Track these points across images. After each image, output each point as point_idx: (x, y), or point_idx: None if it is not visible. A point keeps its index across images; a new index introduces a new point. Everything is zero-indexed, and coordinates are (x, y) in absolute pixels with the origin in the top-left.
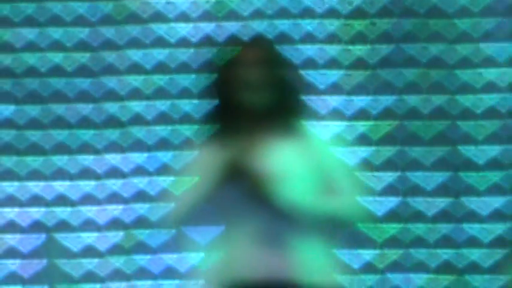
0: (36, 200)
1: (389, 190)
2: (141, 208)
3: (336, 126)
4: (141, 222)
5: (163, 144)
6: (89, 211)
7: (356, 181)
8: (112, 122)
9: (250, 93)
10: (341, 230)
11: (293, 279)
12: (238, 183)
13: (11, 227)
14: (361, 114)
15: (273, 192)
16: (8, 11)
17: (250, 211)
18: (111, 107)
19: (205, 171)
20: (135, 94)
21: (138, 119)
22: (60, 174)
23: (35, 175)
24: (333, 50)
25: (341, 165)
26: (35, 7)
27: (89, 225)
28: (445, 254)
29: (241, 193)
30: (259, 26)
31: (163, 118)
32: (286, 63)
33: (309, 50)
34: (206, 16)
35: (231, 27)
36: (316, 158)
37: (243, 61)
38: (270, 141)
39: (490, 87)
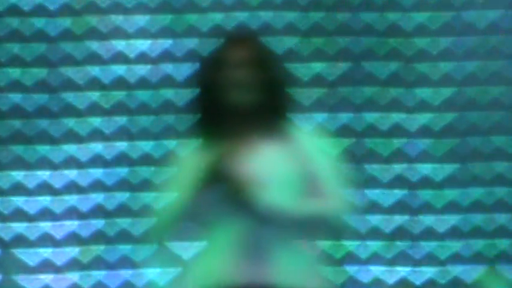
0: None
1: None
2: (98, 223)
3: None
4: (97, 236)
5: (122, 158)
6: (46, 226)
7: (342, 177)
8: (70, 136)
9: (238, 94)
10: (325, 231)
11: (275, 286)
12: (220, 188)
13: None
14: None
15: (255, 197)
16: None
17: (231, 217)
18: (70, 122)
19: (186, 180)
20: (95, 108)
21: (96, 134)
22: (17, 189)
23: None
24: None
25: (327, 162)
26: None
27: (45, 240)
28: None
29: (222, 198)
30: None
31: (122, 132)
32: (273, 60)
33: None
34: (165, 31)
35: (190, 42)
36: (301, 159)
37: (230, 60)
38: (255, 143)
39: (448, 104)
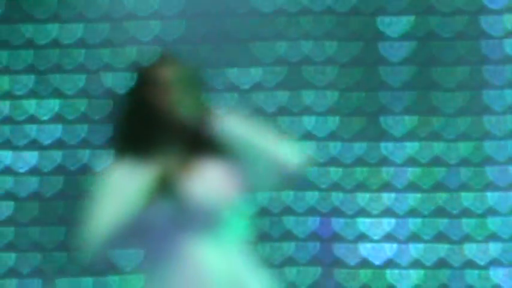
0: None
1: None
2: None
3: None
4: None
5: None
6: None
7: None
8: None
9: (168, 111)
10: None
11: None
12: (167, 204)
13: None
14: None
15: (204, 213)
16: None
17: (178, 233)
18: None
19: (126, 193)
20: None
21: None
22: None
23: None
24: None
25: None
26: None
27: None
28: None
29: (169, 214)
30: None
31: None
32: (197, 78)
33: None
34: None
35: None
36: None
37: (158, 82)
38: (192, 159)
39: (411, 136)
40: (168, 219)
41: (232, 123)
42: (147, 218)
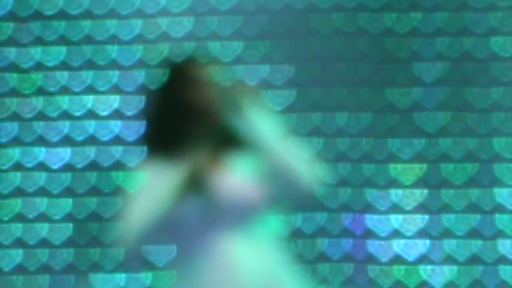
0: None
1: None
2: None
3: None
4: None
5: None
6: None
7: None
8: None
9: (203, 114)
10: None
11: None
12: (198, 200)
13: None
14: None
15: (235, 210)
16: None
17: (210, 230)
18: None
19: (159, 189)
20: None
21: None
22: None
23: None
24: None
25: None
26: None
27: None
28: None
29: (201, 211)
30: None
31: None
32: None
33: None
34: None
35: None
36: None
37: (192, 78)
38: (225, 156)
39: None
40: (199, 216)
41: (258, 121)
42: (179, 214)
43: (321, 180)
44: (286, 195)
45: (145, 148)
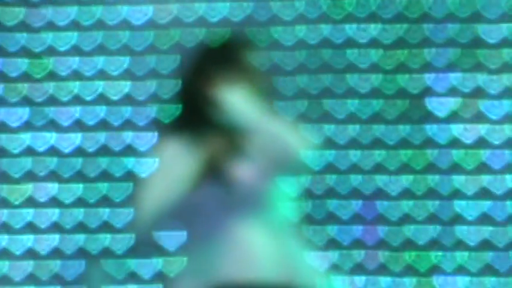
0: None
1: None
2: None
3: None
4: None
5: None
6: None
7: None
8: None
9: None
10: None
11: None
12: (215, 186)
13: None
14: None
15: (250, 195)
16: None
17: (225, 215)
18: None
19: (175, 174)
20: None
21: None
22: None
23: None
24: None
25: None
26: None
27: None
28: None
29: (217, 196)
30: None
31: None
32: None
33: None
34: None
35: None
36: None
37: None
38: (238, 139)
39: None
40: (215, 201)
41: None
42: (196, 200)
43: (308, 142)
44: (280, 166)
45: (159, 133)
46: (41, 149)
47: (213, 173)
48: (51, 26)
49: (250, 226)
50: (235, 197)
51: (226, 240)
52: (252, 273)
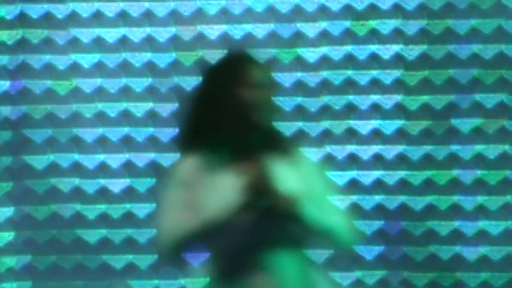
0: None
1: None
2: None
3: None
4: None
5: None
6: None
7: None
8: None
9: (257, 114)
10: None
11: None
12: (261, 205)
13: None
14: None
15: (297, 212)
16: None
17: (255, 238)
18: None
19: (214, 195)
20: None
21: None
22: None
23: None
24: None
25: (330, 185)
26: None
27: None
28: None
29: (265, 215)
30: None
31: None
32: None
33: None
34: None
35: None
36: (310, 178)
37: (249, 82)
38: (269, 160)
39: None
40: (249, 230)
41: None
42: (232, 223)
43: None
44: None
45: (183, 149)
46: (65, 165)
47: (255, 194)
48: (75, 44)
49: (277, 251)
50: (269, 228)
51: (251, 265)
52: None
